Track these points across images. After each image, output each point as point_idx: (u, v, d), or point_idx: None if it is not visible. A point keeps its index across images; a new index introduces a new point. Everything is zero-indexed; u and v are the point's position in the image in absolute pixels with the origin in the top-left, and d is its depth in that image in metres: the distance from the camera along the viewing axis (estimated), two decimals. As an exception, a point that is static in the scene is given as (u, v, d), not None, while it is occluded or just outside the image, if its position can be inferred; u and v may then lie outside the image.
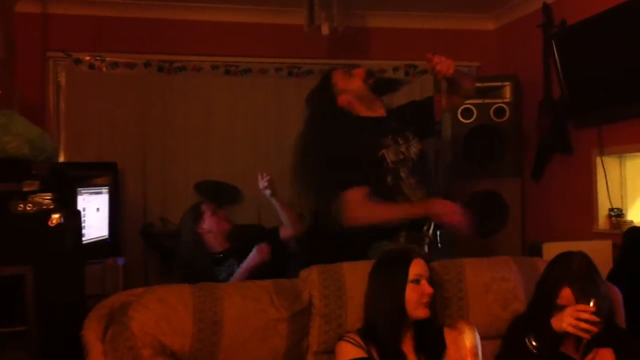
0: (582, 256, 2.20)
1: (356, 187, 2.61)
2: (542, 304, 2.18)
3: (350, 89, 2.74)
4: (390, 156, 2.65)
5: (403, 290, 2.07)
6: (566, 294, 2.11)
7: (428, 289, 2.07)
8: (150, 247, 4.33)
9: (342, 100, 2.74)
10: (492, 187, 4.44)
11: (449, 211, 2.55)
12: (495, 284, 2.39)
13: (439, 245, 2.60)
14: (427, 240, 2.56)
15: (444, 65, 2.56)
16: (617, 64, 3.57)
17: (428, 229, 2.56)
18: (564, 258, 2.22)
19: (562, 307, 2.10)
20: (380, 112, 2.78)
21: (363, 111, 2.76)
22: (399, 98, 3.29)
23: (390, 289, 2.10)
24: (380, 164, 2.64)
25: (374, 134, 2.67)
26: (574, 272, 2.14)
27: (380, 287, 2.13)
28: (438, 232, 2.59)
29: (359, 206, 2.61)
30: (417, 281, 2.08)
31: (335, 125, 2.71)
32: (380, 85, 2.78)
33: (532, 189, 4.59)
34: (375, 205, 2.60)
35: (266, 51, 4.81)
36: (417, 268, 2.10)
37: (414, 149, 2.73)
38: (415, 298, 2.06)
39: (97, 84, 4.54)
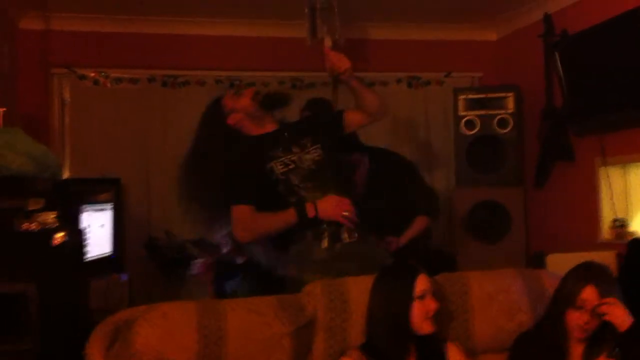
0: (602, 264, 2.22)
1: (240, 204, 2.60)
2: (559, 309, 2.17)
3: (239, 107, 2.71)
4: (278, 167, 2.63)
5: (408, 306, 2.06)
6: (590, 291, 2.10)
7: (434, 305, 2.06)
8: (154, 261, 4.32)
9: (231, 119, 2.71)
10: (494, 196, 4.46)
11: (330, 207, 2.55)
12: (500, 295, 2.37)
13: (348, 239, 2.59)
14: (325, 233, 2.56)
15: (337, 61, 2.56)
16: (618, 73, 3.58)
17: (328, 224, 2.57)
18: (583, 264, 2.22)
19: (581, 308, 2.09)
20: (270, 127, 2.75)
21: (253, 129, 2.73)
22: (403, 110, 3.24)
23: (395, 304, 2.09)
24: (269, 177, 2.62)
25: (260, 150, 2.66)
26: (597, 272, 2.15)
27: (384, 303, 2.12)
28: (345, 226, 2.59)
29: (247, 220, 2.61)
30: (422, 297, 2.07)
31: (221, 144, 2.70)
32: (269, 101, 2.76)
33: (535, 198, 4.58)
34: (262, 215, 2.60)
35: (269, 64, 4.83)
36: (422, 284, 2.08)
37: (311, 156, 2.67)
38: (422, 314, 2.05)
39: (101, 100, 4.57)
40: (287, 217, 2.56)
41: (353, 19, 4.57)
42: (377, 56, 4.98)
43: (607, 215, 3.93)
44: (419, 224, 3.47)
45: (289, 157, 2.65)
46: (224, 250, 3.55)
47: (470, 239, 4.46)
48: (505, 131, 4.44)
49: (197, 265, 3.68)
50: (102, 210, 3.96)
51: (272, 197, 2.61)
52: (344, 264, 2.50)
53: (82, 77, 4.55)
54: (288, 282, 2.58)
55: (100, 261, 3.84)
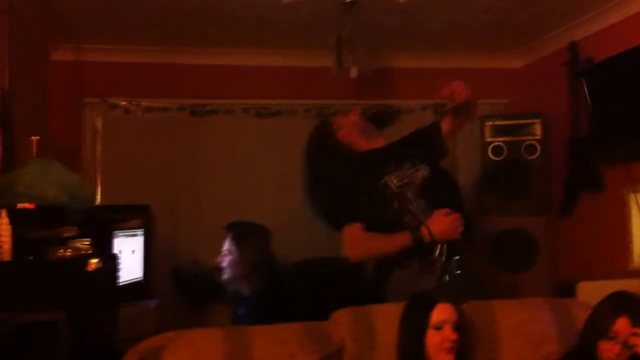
0: (635, 294, 2.20)
1: (352, 223, 2.61)
2: (590, 340, 2.15)
3: (350, 122, 2.77)
4: (393, 181, 2.62)
5: (423, 335, 2.07)
6: (622, 322, 2.08)
7: (451, 335, 2.06)
8: (180, 289, 4.36)
9: (341, 134, 2.75)
10: (521, 224, 4.43)
11: (444, 226, 2.52)
12: (527, 326, 2.36)
13: (457, 271, 2.57)
14: (438, 264, 2.53)
15: (462, 89, 2.62)
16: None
17: (440, 254, 2.53)
18: (616, 294, 2.20)
19: (613, 338, 2.08)
20: (379, 142, 2.79)
21: (362, 144, 2.76)
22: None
23: (411, 333, 2.10)
24: (384, 192, 2.61)
25: (373, 164, 2.67)
26: (630, 302, 2.13)
27: (404, 332, 2.14)
28: (455, 259, 2.57)
29: (356, 241, 2.62)
30: (439, 327, 2.07)
31: (334, 162, 2.74)
32: (378, 117, 2.82)
33: (564, 227, 4.54)
34: (372, 237, 2.59)
35: (295, 93, 4.89)
36: (440, 314, 2.09)
37: (421, 173, 2.68)
38: (436, 344, 2.05)
39: (131, 128, 4.66)
40: (402, 240, 2.53)
41: (379, 48, 4.61)
42: (403, 84, 5.01)
43: (637, 244, 3.88)
44: None
45: (402, 171, 2.65)
46: (226, 276, 3.56)
47: (497, 268, 4.42)
48: (533, 157, 4.42)
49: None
50: (134, 235, 4.02)
51: (386, 214, 2.60)
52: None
53: (114, 106, 4.64)
54: None
55: (131, 287, 3.87)
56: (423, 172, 2.69)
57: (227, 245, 3.54)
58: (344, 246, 2.67)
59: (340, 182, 2.69)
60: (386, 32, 4.44)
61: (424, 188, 2.64)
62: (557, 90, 4.43)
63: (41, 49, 4.34)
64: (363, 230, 2.60)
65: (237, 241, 3.50)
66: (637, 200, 3.84)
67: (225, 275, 3.54)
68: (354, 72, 4.16)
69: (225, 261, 3.52)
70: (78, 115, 4.65)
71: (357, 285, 3.23)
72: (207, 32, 4.39)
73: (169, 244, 4.59)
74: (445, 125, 2.79)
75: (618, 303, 2.14)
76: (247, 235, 3.53)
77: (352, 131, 2.76)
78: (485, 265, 4.48)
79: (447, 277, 2.54)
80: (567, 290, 3.53)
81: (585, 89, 4.01)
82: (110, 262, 2.51)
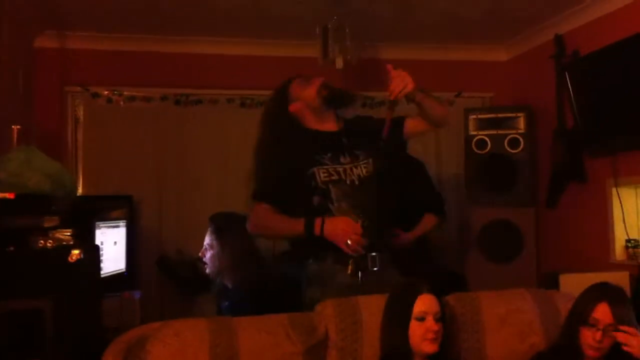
0: (617, 285, 2.22)
1: (264, 203, 2.56)
2: (573, 328, 2.16)
3: (303, 96, 2.64)
4: (320, 175, 2.52)
5: (406, 326, 2.08)
6: (603, 309, 2.10)
7: (433, 326, 2.06)
8: (166, 278, 4.35)
9: (293, 107, 2.65)
10: (506, 216, 4.46)
11: (337, 232, 2.40)
12: (512, 316, 2.38)
13: (373, 268, 2.49)
14: (351, 260, 2.45)
15: (400, 82, 2.41)
16: (630, 94, 3.58)
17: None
18: (598, 283, 2.22)
19: (593, 326, 2.09)
20: (329, 126, 2.66)
21: (312, 122, 2.65)
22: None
23: (395, 324, 2.11)
24: (308, 183, 2.52)
25: (310, 149, 2.57)
26: (611, 291, 2.15)
27: (387, 323, 2.15)
28: (372, 254, 2.48)
29: (261, 218, 2.58)
30: (421, 318, 2.07)
31: (279, 131, 2.65)
32: (334, 97, 2.64)
33: (547, 219, 4.57)
34: (277, 217, 2.54)
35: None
36: (422, 304, 2.09)
37: (360, 170, 2.57)
38: (419, 334, 2.06)
39: (114, 118, 4.61)
40: (296, 226, 2.47)
41: (364, 39, 4.60)
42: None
43: (619, 236, 3.91)
44: (427, 221, 3.44)
45: (335, 166, 2.55)
46: (209, 269, 3.54)
47: (482, 259, 4.45)
48: (516, 151, 4.44)
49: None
50: (116, 227, 3.99)
51: (303, 206, 2.53)
52: (368, 290, 2.39)
53: (96, 95, 4.59)
54: (307, 304, 2.49)
55: (114, 278, 3.86)
56: (362, 169, 2.58)
57: (208, 239, 3.52)
58: (250, 216, 2.64)
59: (273, 155, 2.60)
60: (374, 24, 4.43)
61: (355, 188, 2.53)
62: (543, 83, 4.45)
63: (25, 35, 4.27)
64: (270, 211, 2.55)
65: (218, 234, 3.49)
66: (618, 194, 3.88)
67: (208, 269, 3.53)
68: (339, 63, 4.15)
69: (207, 254, 3.51)
70: (61, 103, 4.59)
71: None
72: (192, 21, 4.35)
73: (153, 234, 4.57)
74: (410, 123, 2.67)
75: (599, 291, 2.16)
76: (227, 227, 3.51)
77: (304, 106, 2.64)
78: (471, 256, 4.51)
79: (360, 273, 2.47)
80: (550, 282, 3.55)
81: (569, 82, 4.03)
82: (92, 253, 2.49)
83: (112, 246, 3.87)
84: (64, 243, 2.28)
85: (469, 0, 4.02)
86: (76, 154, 4.59)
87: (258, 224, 2.63)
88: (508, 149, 4.46)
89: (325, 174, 2.53)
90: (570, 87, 4.03)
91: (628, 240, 3.86)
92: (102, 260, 3.41)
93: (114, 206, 4.02)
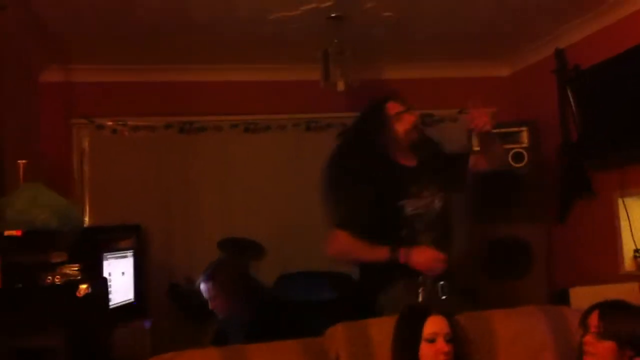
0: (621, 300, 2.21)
1: (345, 230, 2.60)
2: (580, 338, 2.15)
3: (395, 130, 2.69)
4: (408, 208, 2.62)
5: (417, 348, 2.06)
6: (593, 315, 2.10)
7: (444, 347, 2.04)
8: (177, 307, 4.34)
9: (399, 126, 2.68)
10: (514, 232, 4.43)
11: (422, 261, 2.50)
12: (523, 335, 2.36)
13: (442, 296, 2.55)
14: (421, 289, 2.51)
15: (481, 120, 2.56)
16: (632, 106, 3.58)
17: (424, 278, 2.53)
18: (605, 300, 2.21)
19: (587, 332, 2.09)
20: (412, 162, 2.74)
21: (399, 156, 2.72)
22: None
23: (405, 347, 2.09)
24: (397, 215, 2.60)
25: (399, 182, 2.65)
26: (609, 302, 2.14)
27: (397, 345, 2.13)
28: (441, 283, 2.55)
29: (337, 239, 2.61)
30: (432, 340, 2.05)
31: (368, 158, 2.69)
32: (418, 147, 2.72)
33: (556, 234, 4.54)
34: (354, 241, 2.58)
35: (284, 108, 4.89)
36: (432, 326, 2.07)
37: (437, 203, 2.69)
38: (430, 356, 2.04)
39: (119, 148, 4.65)
40: (379, 253, 2.54)
41: (366, 61, 4.62)
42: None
43: (628, 247, 3.89)
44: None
45: (419, 200, 2.64)
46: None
47: (492, 276, 4.42)
48: (520, 165, 4.43)
49: None
50: (123, 257, 3.99)
51: (391, 238, 2.57)
52: None
53: (100, 127, 4.63)
54: None
55: (123, 308, 3.85)
56: (438, 203, 2.69)
57: (204, 281, 3.49)
58: (328, 239, 2.66)
59: (361, 182, 2.64)
60: (374, 45, 4.45)
61: (436, 220, 2.65)
62: (546, 97, 4.45)
63: (30, 70, 4.32)
64: (351, 237, 2.59)
65: (211, 277, 3.45)
66: (625, 205, 3.86)
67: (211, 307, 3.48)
68: (341, 86, 4.16)
69: (207, 294, 3.46)
70: (66, 136, 4.63)
71: (348, 300, 3.22)
72: (192, 49, 4.39)
73: (162, 263, 4.58)
74: (473, 159, 2.78)
75: (598, 302, 2.16)
76: (220, 269, 3.49)
77: (408, 130, 2.68)
78: (480, 274, 4.48)
79: (430, 302, 2.49)
80: (561, 297, 3.53)
81: (571, 96, 4.03)
82: (100, 286, 2.49)
83: (120, 277, 3.87)
84: (72, 278, 2.28)
85: (468, 17, 4.04)
86: (83, 185, 4.62)
87: (339, 248, 2.65)
88: (512, 163, 4.44)
89: (411, 208, 2.62)
90: (572, 101, 4.03)
91: (636, 251, 3.84)
92: (110, 291, 3.42)
93: (121, 236, 4.03)
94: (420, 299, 2.50)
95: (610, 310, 2.10)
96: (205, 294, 3.48)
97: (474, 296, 4.21)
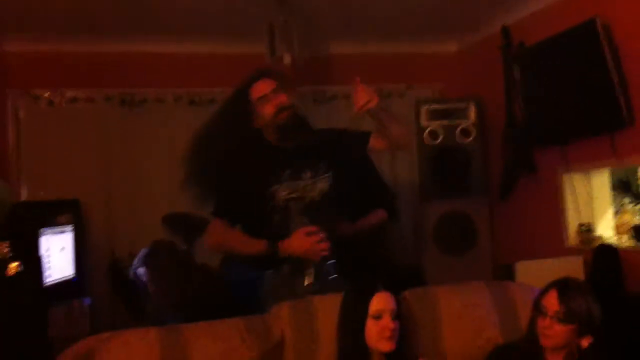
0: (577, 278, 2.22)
1: (219, 218, 2.53)
2: (531, 317, 2.16)
3: (262, 114, 2.53)
4: (282, 193, 2.49)
5: (363, 325, 2.04)
6: (551, 295, 2.10)
7: (390, 324, 2.03)
8: (118, 284, 4.23)
9: (263, 109, 2.52)
10: (460, 208, 4.48)
11: (302, 245, 2.41)
12: (468, 310, 2.36)
13: (331, 275, 2.49)
14: (309, 270, 2.45)
15: (364, 96, 2.37)
16: (576, 83, 3.62)
17: (308, 264, 2.46)
18: (559, 278, 2.21)
19: (543, 313, 2.09)
20: (289, 143, 2.57)
21: (270, 136, 2.57)
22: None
23: (351, 324, 2.08)
24: (269, 202, 2.49)
25: (271, 165, 2.52)
26: (565, 281, 2.14)
27: (343, 322, 2.11)
28: (329, 263, 2.49)
29: (218, 234, 2.55)
30: (378, 316, 2.04)
31: (241, 144, 2.55)
32: (287, 130, 2.53)
33: (501, 209, 4.61)
34: (232, 233, 2.53)
35: (228, 81, 4.74)
36: (378, 303, 2.05)
37: (320, 185, 2.55)
38: (376, 332, 2.03)
39: (57, 120, 4.49)
40: (258, 247, 2.46)
41: (313, 35, 4.55)
42: (337, 70, 4.97)
43: (572, 221, 3.98)
44: (376, 216, 3.33)
45: (296, 182, 2.52)
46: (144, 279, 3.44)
47: (438, 253, 4.46)
48: (468, 141, 4.46)
49: None
50: (62, 232, 3.86)
51: (262, 224, 2.49)
52: None
53: (37, 98, 4.46)
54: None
55: (62, 285, 3.75)
56: (323, 184, 2.56)
57: (139, 266, 3.40)
58: (205, 232, 2.63)
59: (233, 168, 2.53)
60: (322, 19, 4.39)
61: (315, 203, 2.53)
62: (492, 74, 4.47)
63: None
64: (226, 226, 2.53)
65: (147, 262, 3.37)
66: (570, 181, 3.93)
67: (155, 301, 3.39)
68: (286, 60, 4.09)
69: (143, 279, 3.37)
70: (1, 107, 4.43)
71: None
72: (134, 19, 4.23)
73: (103, 239, 4.47)
74: (375, 142, 2.62)
75: (553, 281, 2.16)
76: (156, 253, 3.40)
77: (274, 112, 2.51)
78: (426, 249, 4.52)
79: (317, 283, 2.45)
80: (506, 271, 3.57)
81: (516, 73, 4.06)
82: (33, 263, 2.38)
83: (59, 252, 3.74)
84: (1, 257, 2.17)
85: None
86: (19, 158, 4.44)
87: (216, 240, 2.59)
88: (460, 139, 4.47)
89: (285, 192, 2.51)
90: (517, 77, 4.05)
91: (581, 225, 3.92)
92: (49, 267, 3.30)
93: (59, 211, 3.90)
94: (306, 282, 2.44)
95: (569, 291, 2.11)
96: (142, 278, 3.40)
97: (420, 273, 4.27)
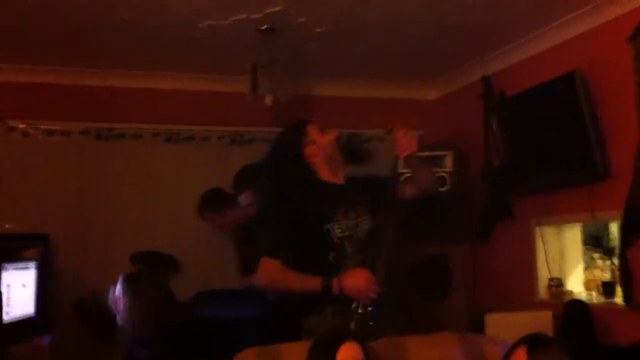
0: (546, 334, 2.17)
1: (274, 258, 2.53)
2: None
3: (321, 142, 2.62)
4: (336, 230, 2.53)
5: None
6: (519, 352, 2.02)
7: None
8: (84, 323, 4.11)
9: (310, 150, 2.62)
10: (435, 255, 4.44)
11: (357, 285, 2.43)
12: (438, 363, 2.30)
13: (370, 322, 2.46)
14: (355, 316, 2.44)
15: (406, 142, 2.55)
16: (554, 135, 3.65)
17: (357, 305, 2.45)
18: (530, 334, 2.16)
19: None
20: (340, 179, 2.66)
21: (325, 173, 2.63)
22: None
23: None
24: (325, 239, 2.52)
25: (326, 203, 2.56)
26: (535, 336, 2.09)
27: None
28: (369, 309, 2.47)
29: (269, 268, 2.53)
30: None
31: (291, 177, 2.62)
32: (351, 151, 2.67)
33: (478, 257, 4.58)
34: (285, 271, 2.50)
35: (208, 118, 4.75)
36: (345, 353, 1.98)
37: (365, 225, 2.60)
38: None
39: (31, 153, 4.42)
40: (312, 284, 2.44)
41: (296, 76, 4.55)
42: (318, 112, 4.94)
43: (543, 275, 3.97)
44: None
45: (347, 222, 2.55)
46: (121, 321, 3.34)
47: (414, 297, 4.40)
48: (442, 190, 4.44)
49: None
50: (25, 268, 3.75)
51: (320, 261, 2.49)
52: None
53: (12, 129, 4.39)
54: None
55: (22, 323, 3.62)
56: (365, 225, 2.60)
57: (119, 288, 3.32)
58: (257, 270, 2.58)
59: (286, 205, 2.58)
60: (304, 60, 4.40)
61: (364, 243, 2.57)
62: (472, 122, 4.49)
63: None
64: (281, 266, 2.51)
65: (129, 283, 3.30)
66: (541, 234, 3.91)
67: (120, 319, 3.31)
68: (268, 100, 4.08)
69: (119, 305, 3.29)
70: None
71: (273, 325, 3.11)
72: (114, 53, 4.22)
73: (70, 275, 4.34)
74: (403, 186, 2.71)
75: (522, 338, 2.11)
76: (138, 277, 3.34)
77: (321, 152, 2.61)
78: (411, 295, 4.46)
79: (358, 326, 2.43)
80: (478, 321, 3.53)
81: (496, 122, 4.08)
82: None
83: (20, 289, 3.63)
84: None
85: (398, 38, 4.03)
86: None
87: (270, 279, 2.56)
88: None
89: (340, 230, 2.53)
90: (496, 126, 4.08)
91: (551, 280, 3.91)
92: (8, 304, 3.19)
93: (25, 245, 3.79)
94: (353, 326, 2.42)
95: (538, 350, 2.05)
96: (115, 306, 3.31)
97: (409, 313, 4.20)
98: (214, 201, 4.13)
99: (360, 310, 2.44)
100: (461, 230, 4.53)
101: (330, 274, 2.45)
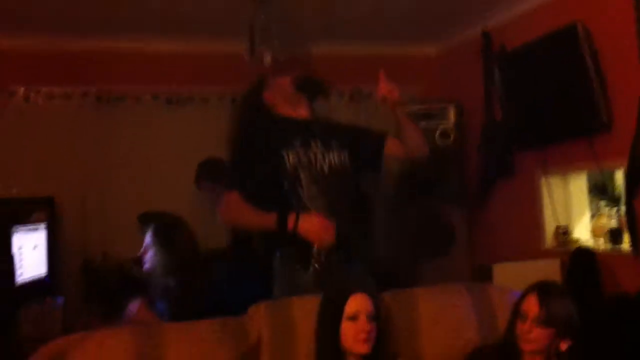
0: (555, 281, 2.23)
1: (234, 191, 2.54)
2: (510, 321, 2.15)
3: (278, 83, 2.66)
4: (290, 158, 2.51)
5: (337, 327, 2.02)
6: (530, 299, 2.09)
7: (365, 326, 2.01)
8: (91, 285, 4.17)
9: (267, 94, 2.66)
10: (436, 211, 4.47)
11: (311, 229, 2.40)
12: (446, 312, 2.35)
13: (340, 261, 2.46)
14: (313, 261, 2.43)
15: (384, 87, 2.54)
16: (556, 87, 3.64)
17: (317, 251, 2.43)
18: (538, 281, 2.20)
19: (523, 317, 2.08)
20: (302, 112, 2.64)
21: (284, 109, 2.63)
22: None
23: (326, 326, 2.06)
24: (278, 166, 2.50)
25: (281, 135, 2.56)
26: (544, 284, 2.14)
27: (320, 324, 2.09)
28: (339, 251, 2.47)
29: (232, 208, 2.55)
30: (354, 318, 2.02)
31: (250, 119, 2.67)
32: (307, 85, 2.66)
33: (479, 212, 4.61)
34: (245, 208, 2.50)
35: (207, 80, 4.73)
36: (354, 305, 2.03)
37: (332, 157, 2.56)
38: (352, 335, 2.01)
39: (32, 117, 4.41)
40: (267, 220, 2.44)
41: (294, 36, 4.52)
42: (318, 71, 4.92)
43: (549, 224, 4.00)
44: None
45: (306, 150, 2.53)
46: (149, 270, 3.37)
47: (412, 257, 4.45)
48: (447, 143, 4.46)
49: (133, 306, 3.47)
50: (35, 230, 3.78)
51: (272, 190, 2.49)
52: None
53: (12, 94, 4.37)
54: None
55: (34, 284, 3.67)
56: (334, 157, 2.57)
57: (148, 238, 3.34)
58: (221, 207, 2.61)
59: (244, 142, 2.60)
60: (303, 20, 4.36)
61: (324, 175, 2.53)
62: (472, 77, 4.49)
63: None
64: (241, 199, 2.50)
65: (161, 236, 3.31)
66: (548, 183, 3.94)
67: (147, 267, 3.33)
68: (267, 60, 4.06)
69: (148, 256, 3.32)
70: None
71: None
72: (113, 16, 4.17)
73: (77, 237, 4.39)
74: (390, 142, 2.67)
75: (533, 285, 2.15)
76: (171, 228, 3.35)
77: (277, 94, 2.64)
78: (405, 253, 4.50)
79: (321, 269, 2.44)
80: (484, 274, 3.58)
81: (496, 76, 4.07)
82: (5, 261, 2.32)
83: (31, 251, 3.67)
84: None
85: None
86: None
87: (229, 214, 2.59)
88: (439, 141, 4.47)
89: (295, 158, 2.51)
90: (497, 81, 4.07)
91: (558, 227, 3.94)
92: (20, 265, 3.23)
93: (33, 209, 3.82)
94: (311, 269, 2.43)
95: (549, 295, 2.10)
96: (143, 256, 3.32)
97: (394, 279, 4.25)
98: (213, 172, 4.11)
99: (319, 257, 2.42)
100: (461, 187, 4.56)
101: (286, 210, 2.44)
